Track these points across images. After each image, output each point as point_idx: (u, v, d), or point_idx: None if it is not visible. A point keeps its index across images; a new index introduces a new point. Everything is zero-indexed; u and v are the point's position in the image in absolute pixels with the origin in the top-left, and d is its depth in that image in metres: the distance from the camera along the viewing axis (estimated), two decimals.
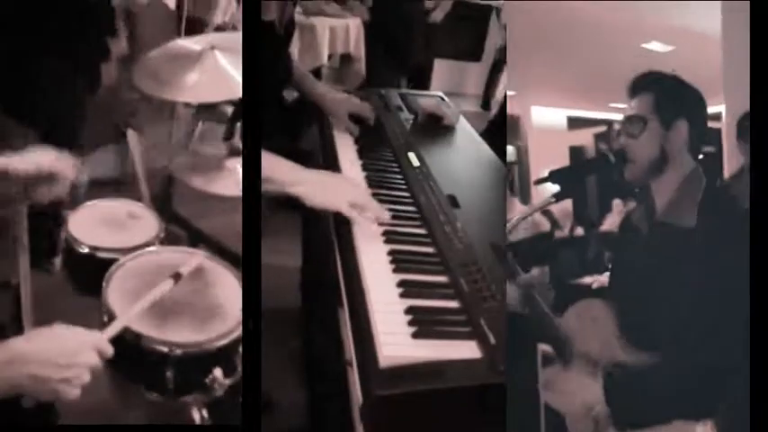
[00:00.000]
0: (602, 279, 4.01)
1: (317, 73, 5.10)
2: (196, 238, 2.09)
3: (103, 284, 1.75)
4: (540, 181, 1.72)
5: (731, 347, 1.45)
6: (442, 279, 1.62)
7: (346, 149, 2.34)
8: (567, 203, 5.22)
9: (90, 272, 1.89)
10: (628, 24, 5.56)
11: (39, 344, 1.32)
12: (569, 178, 1.72)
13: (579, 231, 5.95)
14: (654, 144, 1.62)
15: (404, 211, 1.92)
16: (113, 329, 1.51)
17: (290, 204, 1.80)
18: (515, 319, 2.04)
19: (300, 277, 2.98)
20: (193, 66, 1.98)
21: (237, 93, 1.93)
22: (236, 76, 1.93)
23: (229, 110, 3.68)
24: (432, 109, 2.76)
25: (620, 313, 1.65)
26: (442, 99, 3.04)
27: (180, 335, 1.63)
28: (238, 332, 1.68)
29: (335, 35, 5.33)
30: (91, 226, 2.00)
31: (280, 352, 2.12)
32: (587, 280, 4.38)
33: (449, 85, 5.92)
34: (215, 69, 1.96)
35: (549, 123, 7.33)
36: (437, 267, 1.66)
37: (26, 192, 1.75)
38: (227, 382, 1.68)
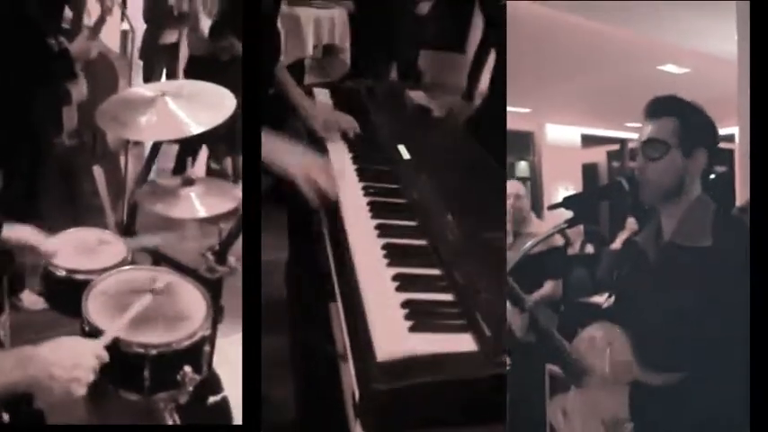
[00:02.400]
0: (612, 299, 3.99)
1: (300, 64, 5.05)
2: (159, 258, 2.28)
3: (83, 300, 1.99)
4: (555, 206, 1.73)
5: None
6: (436, 272, 1.62)
7: (336, 142, 2.35)
8: None
9: (67, 291, 2.14)
10: (644, 46, 5.59)
11: (50, 349, 1.51)
12: (583, 204, 1.73)
13: (589, 249, 5.93)
14: (673, 170, 1.63)
15: (395, 204, 1.92)
16: (107, 338, 1.73)
17: (275, 197, 1.83)
18: (522, 347, 2.05)
19: (286, 271, 2.98)
20: (147, 109, 2.25)
21: (186, 132, 2.21)
22: (184, 117, 2.22)
23: (176, 147, 4.19)
24: (420, 101, 2.75)
25: (633, 335, 1.66)
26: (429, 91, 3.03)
27: (154, 337, 1.88)
28: (203, 333, 1.94)
29: (320, 26, 5.26)
30: (66, 252, 2.23)
31: (266, 345, 2.15)
32: (597, 299, 4.35)
33: (433, 77, 5.89)
34: (165, 113, 2.24)
35: (562, 140, 7.34)
36: (431, 260, 1.66)
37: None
38: (197, 377, 1.92)
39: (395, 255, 1.65)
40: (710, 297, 1.51)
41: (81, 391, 1.51)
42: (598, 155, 7.45)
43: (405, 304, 1.46)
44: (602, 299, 4.22)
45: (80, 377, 1.50)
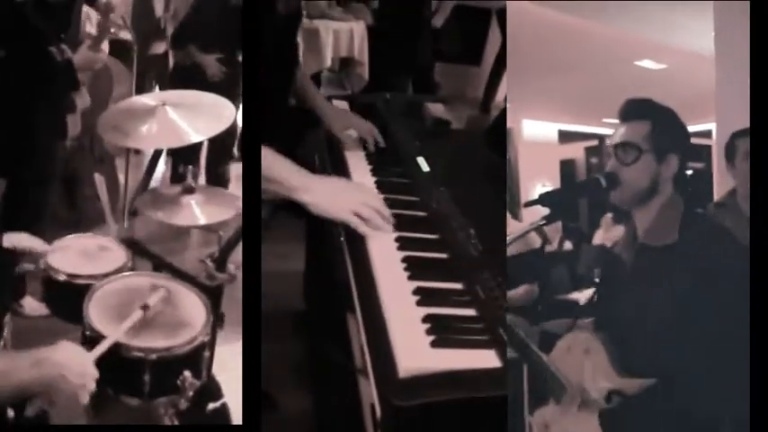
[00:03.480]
0: (591, 296, 3.99)
1: (317, 77, 5.05)
2: (159, 264, 2.28)
3: (84, 306, 1.99)
4: (531, 203, 1.71)
5: (731, 371, 1.46)
6: (457, 286, 1.60)
7: (355, 154, 2.33)
8: None
9: (68, 297, 2.15)
10: (621, 42, 5.61)
11: (62, 351, 1.56)
12: (560, 201, 1.72)
13: (568, 246, 5.95)
14: (645, 174, 1.64)
15: (415, 217, 1.91)
16: (102, 349, 1.75)
17: (294, 209, 1.81)
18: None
19: (304, 282, 2.95)
20: (148, 118, 2.30)
21: (186, 141, 2.28)
22: (185, 126, 2.27)
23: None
24: (439, 113, 2.74)
25: (609, 341, 1.65)
26: (447, 103, 3.02)
27: (154, 342, 1.89)
28: (203, 339, 1.96)
29: (339, 39, 5.29)
30: (67, 258, 2.25)
31: (283, 357, 2.16)
32: (575, 296, 4.35)
33: (449, 89, 5.90)
34: (166, 121, 2.29)
35: (539, 136, 7.36)
36: (452, 274, 1.63)
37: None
38: (197, 383, 1.93)
39: (415, 268, 1.63)
40: (679, 295, 1.52)
41: (84, 399, 1.57)
42: (576, 151, 7.49)
43: (426, 319, 1.44)
44: (581, 295, 4.24)
45: (86, 385, 1.56)
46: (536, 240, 3.96)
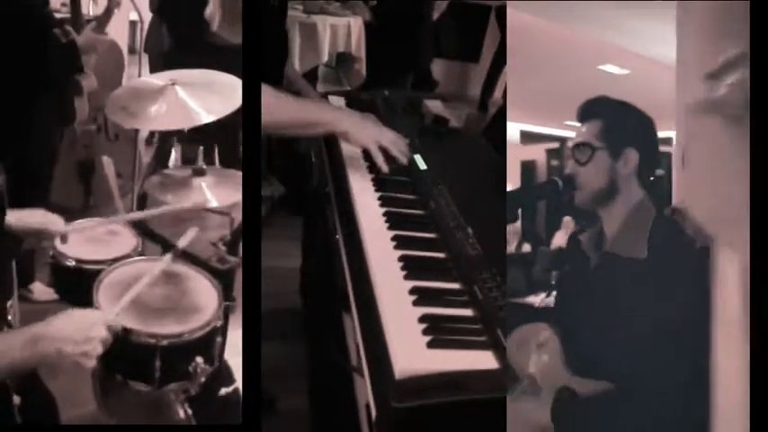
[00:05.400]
0: (548, 299, 4.00)
1: (313, 73, 5.00)
2: (169, 248, 2.18)
3: (93, 291, 1.95)
4: None
5: (686, 382, 1.43)
6: (455, 286, 1.57)
7: (352, 149, 2.25)
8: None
9: (77, 282, 2.12)
10: (585, 45, 5.65)
11: (57, 324, 1.50)
12: (518, 202, 1.72)
13: (526, 248, 5.98)
14: (601, 173, 1.61)
15: (413, 216, 1.88)
16: (122, 304, 1.75)
17: (291, 206, 1.79)
18: None
19: (300, 279, 2.91)
20: (156, 99, 2.26)
21: (196, 121, 2.23)
22: (195, 106, 2.23)
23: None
24: (437, 111, 2.72)
25: (566, 338, 1.63)
26: (446, 101, 3.00)
27: (165, 328, 1.85)
28: (215, 324, 1.92)
29: (337, 34, 5.21)
30: (76, 243, 2.18)
31: (279, 355, 2.13)
32: (531, 299, 4.35)
33: (447, 86, 5.89)
34: (175, 102, 2.25)
35: None
36: (450, 274, 1.61)
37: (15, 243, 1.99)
38: (209, 368, 1.90)
39: (412, 267, 1.59)
40: (643, 308, 1.50)
41: (90, 363, 1.51)
42: (537, 152, 7.53)
43: (423, 319, 1.41)
44: (537, 299, 4.25)
45: (88, 351, 1.50)
46: None
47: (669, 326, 1.46)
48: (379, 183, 2.05)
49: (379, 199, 1.94)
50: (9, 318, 1.93)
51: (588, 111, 1.66)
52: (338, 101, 2.78)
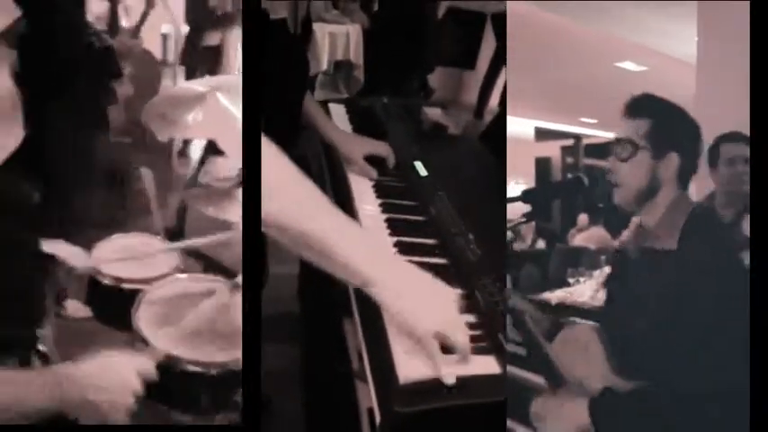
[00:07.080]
0: (561, 295, 3.98)
1: (312, 80, 5.02)
2: (210, 266, 2.17)
3: (133, 312, 1.85)
4: (513, 200, 1.68)
5: (728, 375, 1.44)
6: (456, 292, 1.53)
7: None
8: None
9: (114, 301, 2.02)
10: (603, 42, 5.62)
11: (85, 368, 1.40)
12: (542, 199, 1.70)
13: (541, 245, 5.96)
14: (642, 172, 1.59)
15: (414, 221, 1.87)
16: (158, 354, 1.62)
17: None
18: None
19: (298, 285, 2.92)
20: (196, 106, 2.15)
21: (237, 129, 2.04)
22: (237, 113, 2.11)
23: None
24: (436, 118, 2.72)
25: (609, 339, 1.62)
26: (443, 107, 3.01)
27: (212, 356, 1.73)
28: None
29: (335, 41, 5.26)
30: (112, 260, 2.12)
31: (278, 359, 2.11)
32: (547, 296, 4.33)
33: (443, 93, 5.90)
34: (216, 109, 2.14)
35: (516, 132, 7.37)
36: (451, 280, 1.58)
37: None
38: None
39: None
40: (679, 302, 1.49)
41: (119, 416, 1.40)
42: (552, 149, 7.50)
43: None
44: (552, 296, 4.24)
45: (116, 401, 1.39)
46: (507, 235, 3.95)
47: (710, 325, 1.46)
48: (380, 189, 2.06)
49: (381, 205, 1.95)
50: (40, 347, 1.79)
51: (638, 107, 1.61)
52: (337, 108, 2.77)
